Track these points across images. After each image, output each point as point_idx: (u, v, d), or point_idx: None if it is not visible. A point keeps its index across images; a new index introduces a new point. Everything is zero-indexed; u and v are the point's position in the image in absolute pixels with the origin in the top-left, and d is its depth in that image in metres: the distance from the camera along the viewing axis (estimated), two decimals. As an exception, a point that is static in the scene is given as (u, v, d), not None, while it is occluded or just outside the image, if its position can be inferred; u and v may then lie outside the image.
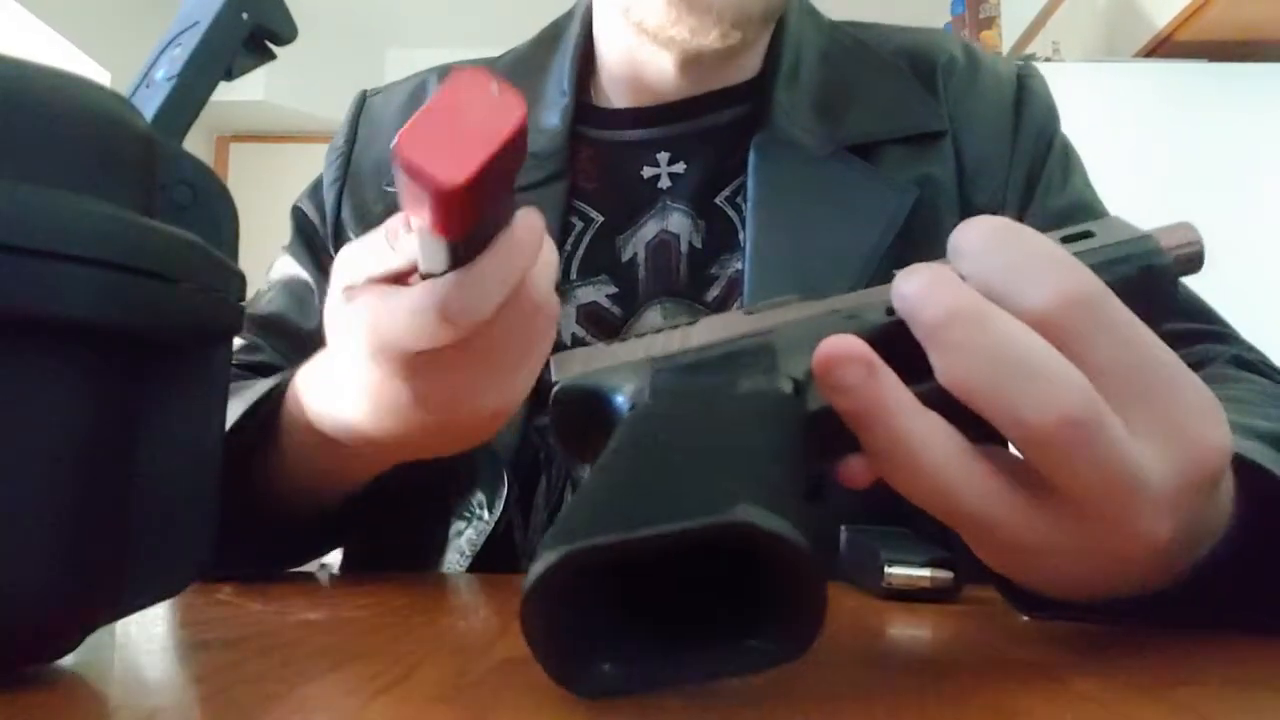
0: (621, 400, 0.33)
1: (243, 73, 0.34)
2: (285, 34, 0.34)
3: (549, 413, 0.35)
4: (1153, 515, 0.29)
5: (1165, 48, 2.51)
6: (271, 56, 0.35)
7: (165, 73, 0.32)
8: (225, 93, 0.34)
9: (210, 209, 0.29)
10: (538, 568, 0.22)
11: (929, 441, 0.28)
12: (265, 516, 0.54)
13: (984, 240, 0.30)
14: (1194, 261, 0.32)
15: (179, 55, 0.32)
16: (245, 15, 0.33)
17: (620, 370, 0.33)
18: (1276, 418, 0.46)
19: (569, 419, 0.34)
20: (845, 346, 0.28)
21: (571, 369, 0.35)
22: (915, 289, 0.29)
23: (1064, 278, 0.28)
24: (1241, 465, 0.35)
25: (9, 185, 0.23)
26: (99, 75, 3.34)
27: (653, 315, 0.67)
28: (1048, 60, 2.52)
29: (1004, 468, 0.29)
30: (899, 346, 0.29)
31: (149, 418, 0.27)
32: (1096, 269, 0.29)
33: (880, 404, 0.28)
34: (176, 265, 0.26)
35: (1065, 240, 0.32)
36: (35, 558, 0.24)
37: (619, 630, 0.23)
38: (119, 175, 0.26)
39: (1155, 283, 0.31)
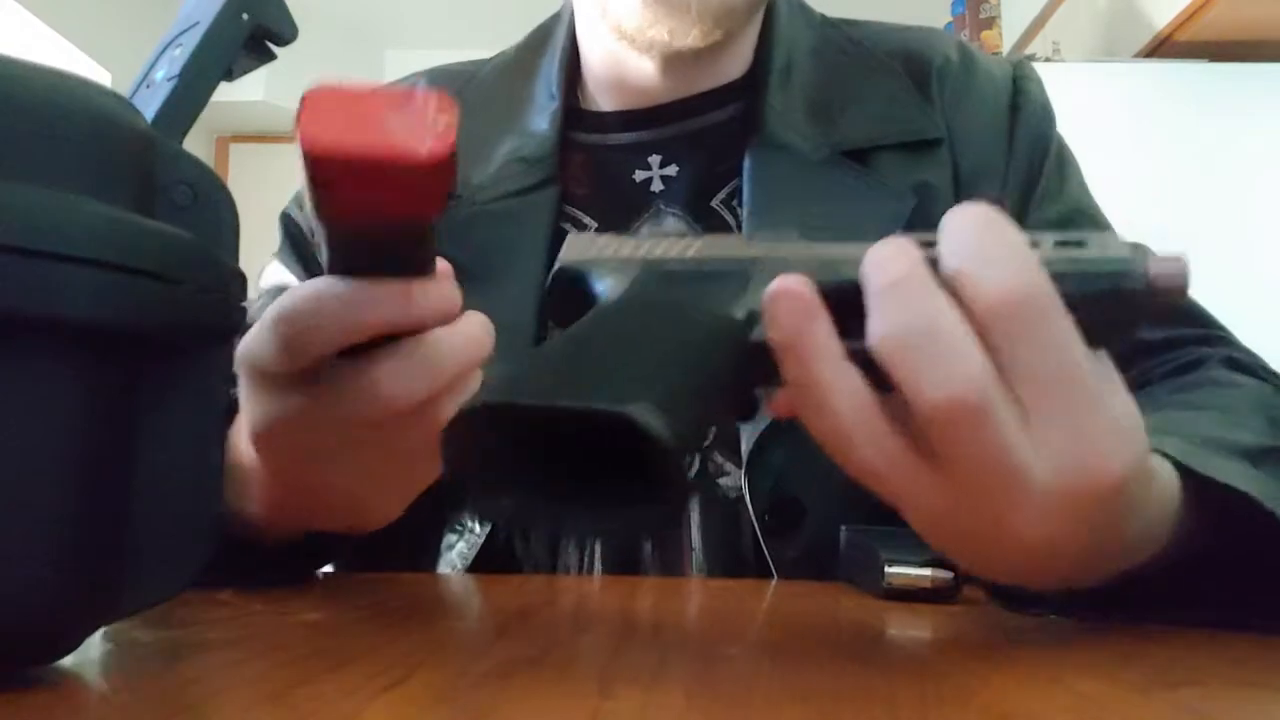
0: (603, 288, 0.36)
1: (243, 73, 0.34)
2: (286, 34, 0.34)
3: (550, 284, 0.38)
4: (1030, 515, 0.31)
5: (1165, 48, 2.51)
6: (272, 57, 0.35)
7: (165, 73, 0.32)
8: (225, 93, 0.34)
9: (210, 209, 0.29)
10: (461, 408, 0.27)
11: (838, 388, 0.31)
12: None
13: (963, 226, 0.32)
14: (1173, 294, 0.33)
15: (179, 56, 0.32)
16: (246, 16, 0.33)
17: (613, 263, 0.37)
18: (1260, 429, 0.47)
19: (560, 296, 0.38)
20: (793, 286, 0.31)
21: (576, 252, 0.38)
22: (878, 255, 0.32)
23: (1015, 277, 0.30)
24: (1206, 485, 0.37)
25: (8, 186, 0.23)
26: (99, 76, 3.34)
27: None
28: (1048, 60, 2.52)
29: (906, 430, 0.31)
30: (856, 303, 0.31)
31: (149, 418, 0.27)
32: (1066, 277, 0.31)
33: (806, 344, 0.31)
34: (176, 266, 0.26)
35: (1058, 244, 0.33)
36: (35, 559, 0.24)
37: (530, 474, 0.28)
38: (118, 176, 0.26)
39: (1123, 303, 0.32)
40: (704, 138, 0.69)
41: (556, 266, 0.38)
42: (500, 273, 0.65)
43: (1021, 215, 0.67)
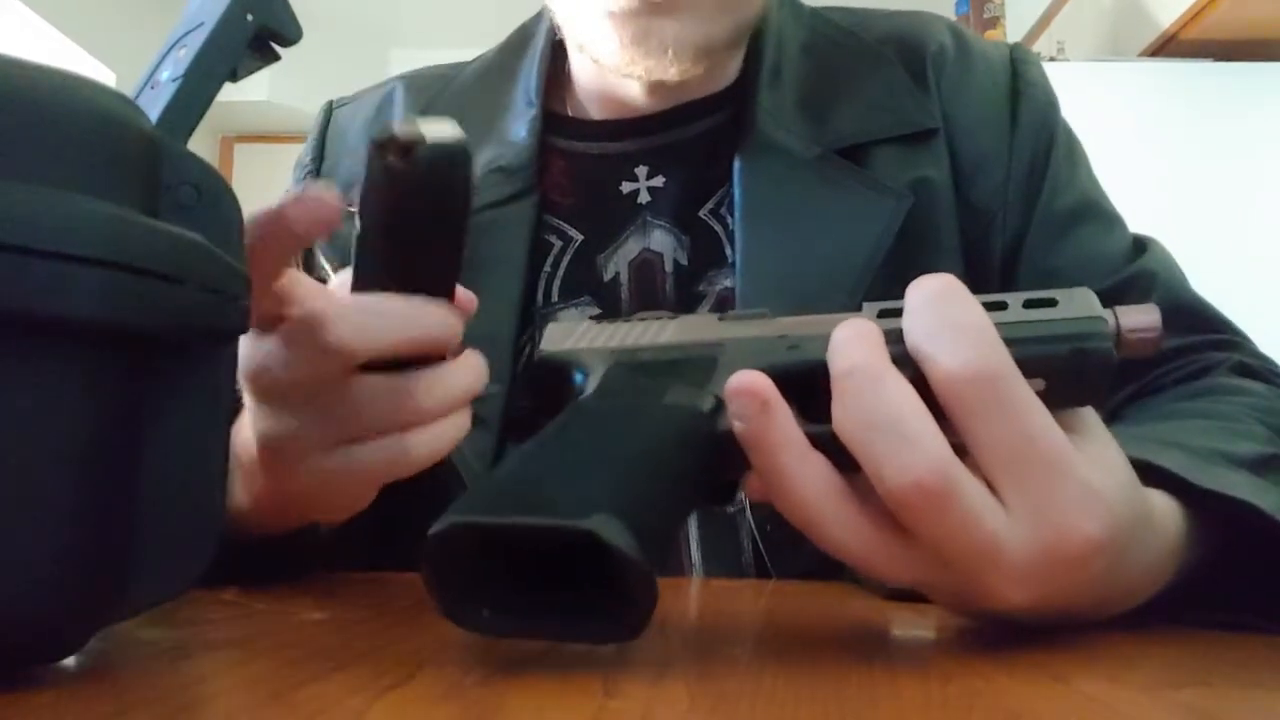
0: (581, 377, 0.38)
1: (248, 74, 0.34)
2: (290, 35, 0.34)
3: (527, 374, 0.39)
4: (1007, 582, 0.31)
5: (1170, 47, 2.51)
6: (276, 57, 0.35)
7: (170, 74, 0.32)
8: (230, 93, 0.34)
9: (215, 209, 0.29)
10: (433, 528, 0.28)
11: (803, 477, 0.31)
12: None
13: (921, 300, 0.33)
14: (1145, 346, 0.34)
15: (184, 56, 0.32)
16: (250, 16, 0.33)
17: (590, 353, 0.38)
18: (1262, 437, 0.47)
19: (540, 386, 0.39)
20: (748, 382, 0.31)
21: (555, 341, 0.40)
22: (840, 338, 0.32)
23: (972, 353, 0.31)
24: (1208, 498, 0.37)
25: (14, 186, 0.23)
26: (104, 76, 3.34)
27: None
28: (1052, 60, 2.52)
29: (879, 508, 0.31)
30: (824, 383, 0.32)
31: (153, 418, 0.27)
32: (1027, 343, 0.32)
33: (767, 438, 0.31)
34: (181, 266, 0.26)
35: (1027, 304, 0.34)
36: (39, 558, 0.24)
37: (503, 583, 0.29)
38: (123, 176, 0.26)
39: (1087, 364, 0.32)
40: (692, 147, 0.67)
41: (537, 357, 0.39)
42: (478, 287, 0.63)
43: (1029, 201, 0.66)
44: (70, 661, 0.27)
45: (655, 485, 0.30)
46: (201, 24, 0.33)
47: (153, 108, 0.30)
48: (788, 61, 0.68)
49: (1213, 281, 0.68)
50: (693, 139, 0.67)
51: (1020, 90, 0.68)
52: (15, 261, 0.23)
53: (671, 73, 0.60)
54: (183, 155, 0.29)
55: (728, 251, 0.64)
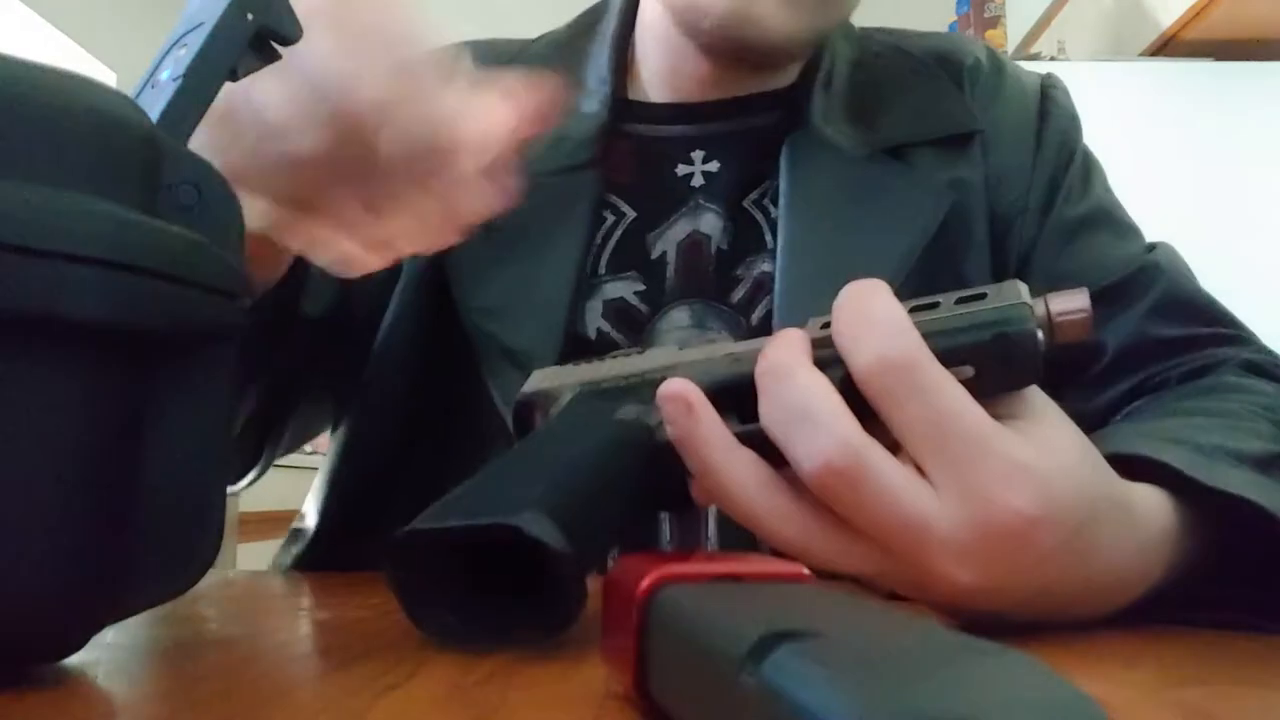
0: (555, 411, 0.41)
1: (248, 73, 0.34)
2: (290, 35, 0.34)
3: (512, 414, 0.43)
4: (947, 560, 0.32)
5: (1171, 47, 2.51)
6: (276, 57, 0.35)
7: (170, 73, 0.32)
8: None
9: (215, 209, 0.29)
10: (394, 537, 0.30)
11: (733, 472, 0.33)
12: None
13: (842, 299, 0.34)
14: (1077, 328, 0.34)
15: (184, 56, 0.32)
16: (250, 16, 0.33)
17: (559, 388, 0.42)
18: (1269, 435, 0.47)
19: (519, 423, 0.43)
20: (674, 388, 0.34)
21: (535, 382, 0.43)
22: (767, 346, 0.34)
23: (885, 344, 0.32)
24: (1212, 495, 0.37)
25: (14, 185, 0.23)
26: (104, 76, 3.34)
27: (680, 314, 0.65)
28: (1053, 59, 2.52)
29: (816, 501, 0.32)
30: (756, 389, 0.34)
31: (153, 418, 0.27)
32: (951, 333, 0.33)
33: (694, 437, 0.33)
34: (181, 266, 0.26)
35: (959, 301, 0.35)
36: (40, 557, 0.24)
37: (465, 589, 0.30)
38: (124, 175, 0.26)
39: (1010, 348, 0.33)
40: (748, 138, 0.70)
41: (516, 400, 0.43)
42: (538, 249, 0.65)
43: (1045, 211, 0.68)
44: (72, 660, 0.27)
45: (591, 486, 0.32)
46: (201, 24, 0.33)
47: (153, 107, 0.30)
48: (838, 75, 0.71)
49: (1212, 281, 0.68)
50: (749, 130, 0.70)
51: (1048, 110, 0.72)
52: (15, 261, 0.23)
53: (801, 21, 0.63)
54: (183, 155, 0.29)
55: (767, 239, 0.67)
